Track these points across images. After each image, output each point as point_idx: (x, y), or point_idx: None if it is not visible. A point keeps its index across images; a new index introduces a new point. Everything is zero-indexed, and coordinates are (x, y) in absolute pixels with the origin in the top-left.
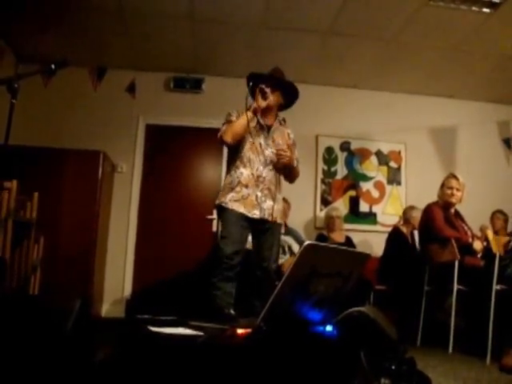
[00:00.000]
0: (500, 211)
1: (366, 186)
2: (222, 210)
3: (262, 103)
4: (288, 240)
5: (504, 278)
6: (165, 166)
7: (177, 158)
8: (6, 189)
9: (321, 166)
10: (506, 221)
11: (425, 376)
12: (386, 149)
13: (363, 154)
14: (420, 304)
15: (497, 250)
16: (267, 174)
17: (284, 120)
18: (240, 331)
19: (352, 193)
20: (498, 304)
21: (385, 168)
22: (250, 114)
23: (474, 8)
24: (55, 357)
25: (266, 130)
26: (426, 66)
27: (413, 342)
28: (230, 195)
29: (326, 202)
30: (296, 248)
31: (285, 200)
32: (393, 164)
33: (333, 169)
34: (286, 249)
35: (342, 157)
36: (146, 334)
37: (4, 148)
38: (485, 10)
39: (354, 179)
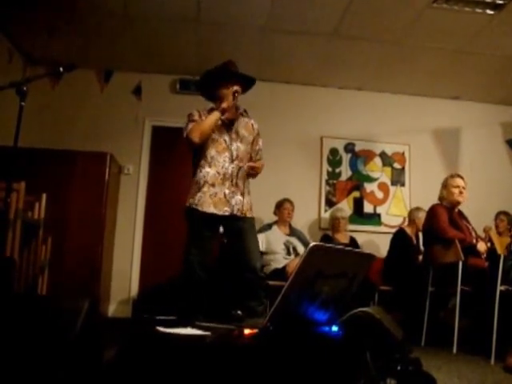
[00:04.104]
0: (504, 212)
1: (370, 187)
2: (192, 212)
3: (231, 103)
4: (293, 241)
5: (508, 279)
6: (171, 167)
7: (183, 160)
8: (14, 190)
9: (325, 167)
10: (510, 222)
11: (430, 376)
12: (389, 150)
13: (367, 156)
14: (424, 304)
15: (501, 251)
16: (234, 169)
17: (245, 111)
18: (247, 331)
19: (356, 194)
20: (502, 305)
21: (389, 169)
22: (217, 113)
23: (477, 10)
24: (65, 357)
25: (229, 124)
26: (430, 68)
27: (417, 343)
28: (198, 196)
29: (330, 203)
30: (301, 249)
31: (289, 201)
32: (397, 165)
33: (337, 170)
34: (291, 250)
35: (346, 158)
36: (154, 334)
37: (13, 150)
38: (488, 11)
39: (358, 180)
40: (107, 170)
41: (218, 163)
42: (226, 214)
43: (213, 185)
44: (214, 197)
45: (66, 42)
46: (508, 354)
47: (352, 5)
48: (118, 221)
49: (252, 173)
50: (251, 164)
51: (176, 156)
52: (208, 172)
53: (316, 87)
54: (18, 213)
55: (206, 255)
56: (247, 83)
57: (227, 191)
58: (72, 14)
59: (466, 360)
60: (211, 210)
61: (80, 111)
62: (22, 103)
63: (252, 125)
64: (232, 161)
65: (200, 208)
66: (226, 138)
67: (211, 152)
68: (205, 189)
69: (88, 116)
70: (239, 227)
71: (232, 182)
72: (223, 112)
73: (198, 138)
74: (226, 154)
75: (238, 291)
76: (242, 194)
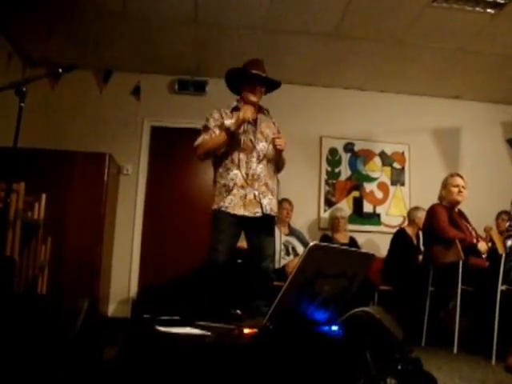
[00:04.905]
0: (505, 212)
1: (369, 186)
2: (222, 215)
3: (249, 114)
4: (292, 241)
5: (508, 279)
6: (170, 167)
7: (182, 160)
8: (14, 190)
9: (324, 167)
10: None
11: (431, 376)
12: (389, 150)
13: (367, 155)
14: (424, 304)
15: (502, 250)
16: (262, 170)
17: (268, 111)
18: (247, 331)
19: (356, 194)
20: (502, 304)
21: (388, 169)
22: (225, 135)
23: (478, 9)
24: (65, 356)
25: (253, 124)
26: (430, 67)
27: (417, 343)
28: (229, 198)
29: (329, 203)
30: (300, 249)
31: (288, 201)
32: (396, 165)
33: (336, 170)
34: (290, 250)
35: (345, 158)
36: (154, 334)
37: (12, 150)
38: (489, 10)
39: (358, 180)
40: (106, 170)
41: (247, 164)
42: (258, 215)
43: (242, 187)
44: (244, 198)
45: (65, 42)
46: (509, 354)
47: (352, 4)
48: (118, 221)
49: (278, 149)
50: (276, 135)
51: (175, 156)
52: (236, 174)
53: (315, 87)
54: (18, 213)
55: (229, 255)
56: (271, 84)
57: (256, 192)
58: (71, 14)
59: (467, 360)
60: (242, 212)
61: (79, 112)
62: (22, 104)
63: (273, 123)
64: (259, 161)
65: (231, 211)
66: (252, 138)
67: (239, 154)
68: (235, 191)
69: (87, 116)
70: (262, 226)
71: (261, 182)
72: (230, 134)
73: (203, 156)
74: (254, 154)
75: (245, 289)
76: (272, 194)
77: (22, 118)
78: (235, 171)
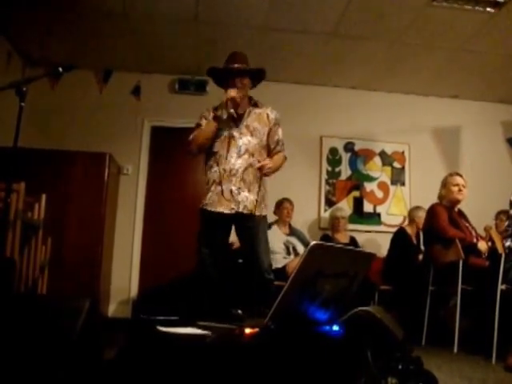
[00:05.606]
0: (504, 212)
1: (369, 186)
2: (203, 213)
3: (233, 94)
4: (293, 241)
5: (507, 279)
6: (170, 167)
7: (182, 160)
8: (14, 190)
9: (325, 166)
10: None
11: (432, 375)
12: (389, 149)
13: (367, 155)
14: (425, 304)
15: (502, 250)
16: (241, 164)
17: (258, 102)
18: (248, 331)
19: (356, 193)
20: (502, 304)
21: (389, 168)
22: (212, 123)
23: (477, 8)
24: (65, 356)
25: (237, 119)
26: (429, 67)
27: (418, 342)
28: (209, 195)
29: (330, 203)
30: (301, 248)
31: (288, 200)
32: (396, 164)
33: (337, 169)
34: (291, 249)
35: (345, 157)
36: (155, 334)
37: (12, 150)
38: (489, 9)
39: (358, 180)
40: (106, 170)
41: (226, 160)
42: (233, 212)
43: (220, 183)
44: (220, 195)
45: (65, 42)
46: (509, 354)
47: (352, 4)
48: (118, 221)
49: (266, 171)
50: (258, 165)
51: (175, 156)
52: (216, 171)
53: (315, 86)
54: (18, 213)
55: (217, 254)
56: (254, 75)
57: (233, 188)
58: (71, 14)
59: (467, 359)
60: (219, 208)
61: (79, 111)
62: (22, 104)
63: (267, 114)
64: (239, 156)
65: (209, 208)
66: (235, 133)
67: (219, 150)
68: (213, 188)
69: (87, 116)
70: (247, 226)
71: (238, 177)
72: (216, 120)
73: (196, 150)
74: (234, 149)
75: (244, 292)
76: (249, 190)
77: (22, 117)
78: (215, 168)
